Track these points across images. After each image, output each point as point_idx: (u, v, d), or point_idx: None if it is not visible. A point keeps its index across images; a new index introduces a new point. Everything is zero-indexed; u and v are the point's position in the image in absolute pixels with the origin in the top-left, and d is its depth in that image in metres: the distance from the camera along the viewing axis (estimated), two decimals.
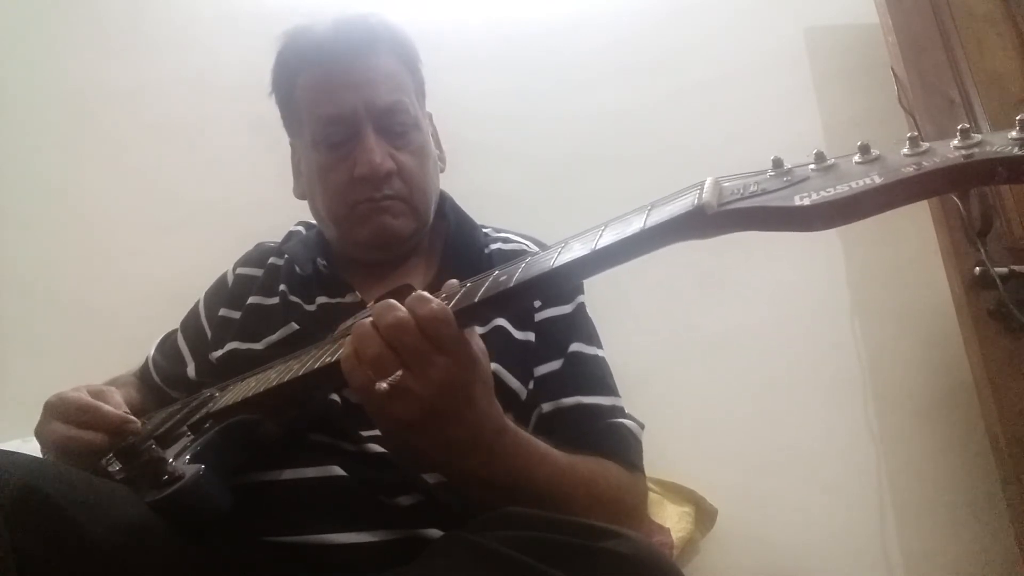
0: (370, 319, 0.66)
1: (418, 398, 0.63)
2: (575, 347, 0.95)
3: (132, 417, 0.87)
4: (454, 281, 0.71)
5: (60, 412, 0.87)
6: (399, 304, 0.65)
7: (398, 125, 0.99)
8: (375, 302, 0.69)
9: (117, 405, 0.89)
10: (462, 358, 0.64)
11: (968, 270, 1.48)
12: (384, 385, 0.63)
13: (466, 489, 0.75)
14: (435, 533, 0.78)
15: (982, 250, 1.48)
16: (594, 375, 0.95)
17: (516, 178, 1.89)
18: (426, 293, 0.66)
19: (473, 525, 0.66)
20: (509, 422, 0.72)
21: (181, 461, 0.72)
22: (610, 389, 0.95)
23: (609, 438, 0.88)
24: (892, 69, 1.71)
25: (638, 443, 0.92)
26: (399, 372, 0.63)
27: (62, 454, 0.85)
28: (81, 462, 0.83)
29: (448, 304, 0.65)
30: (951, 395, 1.67)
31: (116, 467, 0.79)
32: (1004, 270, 1.46)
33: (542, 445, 0.76)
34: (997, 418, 1.40)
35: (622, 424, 0.91)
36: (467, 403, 0.65)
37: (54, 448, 0.86)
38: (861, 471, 1.66)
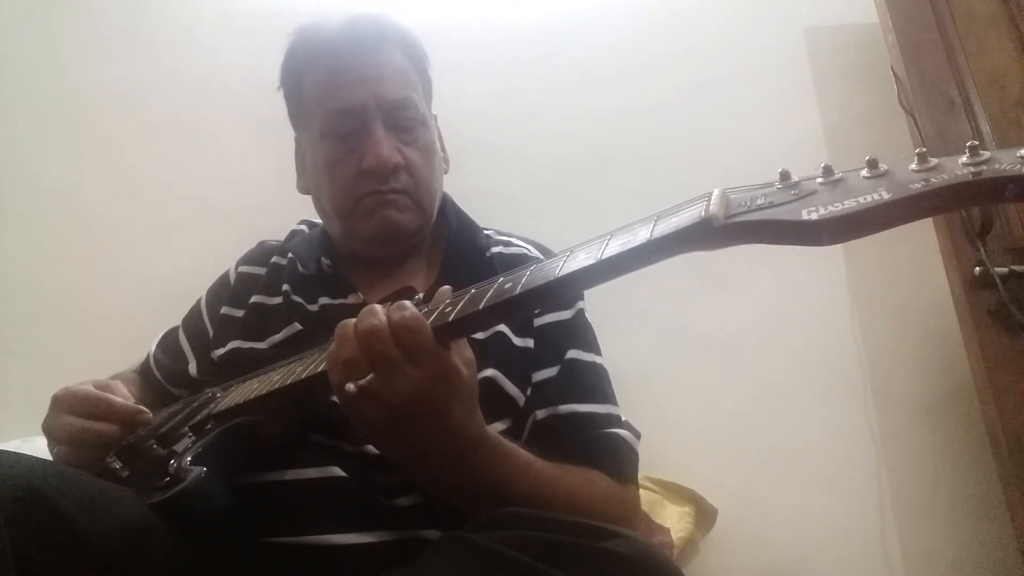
0: (353, 322, 0.66)
1: (385, 405, 0.63)
2: (572, 354, 0.94)
3: (143, 407, 0.88)
4: (447, 288, 0.71)
5: (70, 405, 0.87)
6: (380, 310, 0.66)
7: (406, 120, 0.99)
8: (378, 304, 0.69)
9: (125, 397, 0.90)
10: (435, 372, 0.63)
11: (968, 270, 1.48)
12: (352, 387, 0.63)
13: (440, 493, 0.75)
14: (435, 534, 0.78)
15: (982, 250, 1.47)
16: (590, 383, 0.93)
17: (516, 179, 1.89)
18: (407, 302, 0.66)
19: (473, 525, 0.66)
20: (489, 433, 0.72)
21: (183, 462, 0.72)
22: (606, 397, 0.94)
23: (601, 448, 0.87)
24: (892, 69, 1.71)
25: (632, 453, 0.91)
26: (370, 376, 0.63)
27: (74, 446, 0.85)
28: (93, 453, 0.84)
29: (452, 312, 0.64)
30: (951, 395, 1.66)
31: (118, 466, 0.79)
32: (1004, 270, 1.46)
33: (524, 456, 0.76)
34: (997, 418, 1.40)
35: (616, 434, 0.90)
36: (437, 416, 0.65)
37: (66, 440, 0.86)
38: (861, 471, 1.65)
